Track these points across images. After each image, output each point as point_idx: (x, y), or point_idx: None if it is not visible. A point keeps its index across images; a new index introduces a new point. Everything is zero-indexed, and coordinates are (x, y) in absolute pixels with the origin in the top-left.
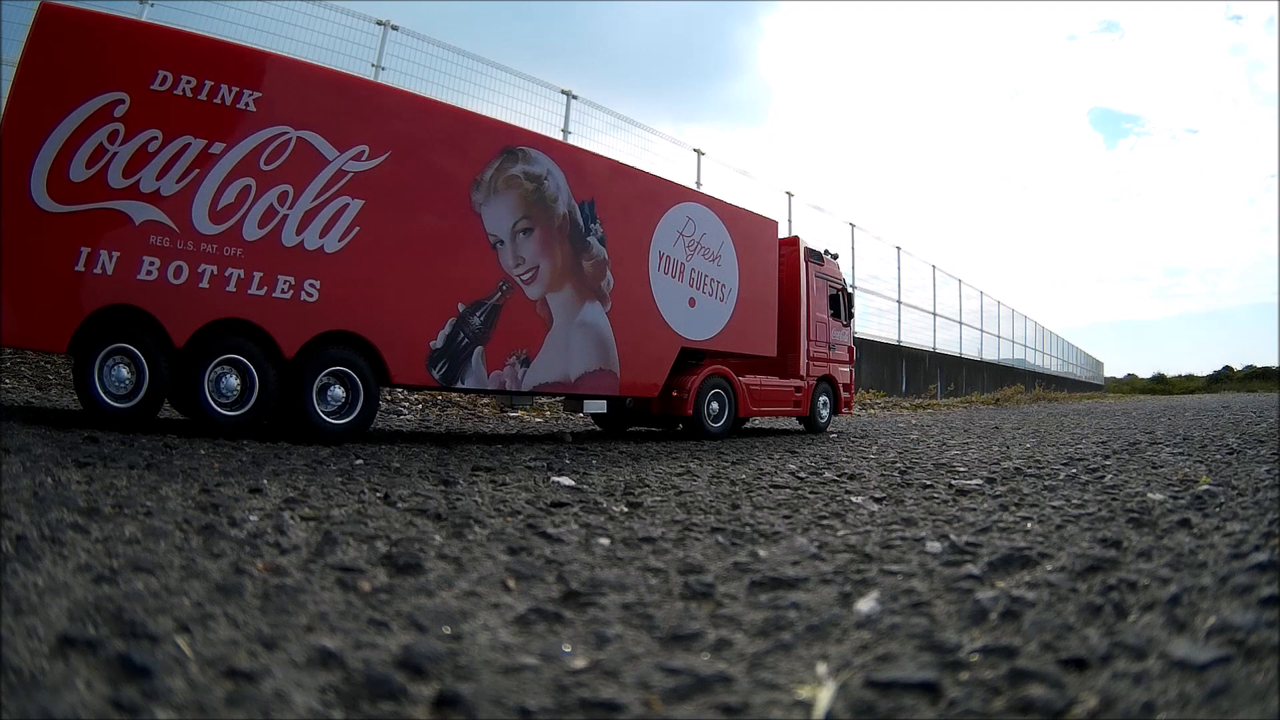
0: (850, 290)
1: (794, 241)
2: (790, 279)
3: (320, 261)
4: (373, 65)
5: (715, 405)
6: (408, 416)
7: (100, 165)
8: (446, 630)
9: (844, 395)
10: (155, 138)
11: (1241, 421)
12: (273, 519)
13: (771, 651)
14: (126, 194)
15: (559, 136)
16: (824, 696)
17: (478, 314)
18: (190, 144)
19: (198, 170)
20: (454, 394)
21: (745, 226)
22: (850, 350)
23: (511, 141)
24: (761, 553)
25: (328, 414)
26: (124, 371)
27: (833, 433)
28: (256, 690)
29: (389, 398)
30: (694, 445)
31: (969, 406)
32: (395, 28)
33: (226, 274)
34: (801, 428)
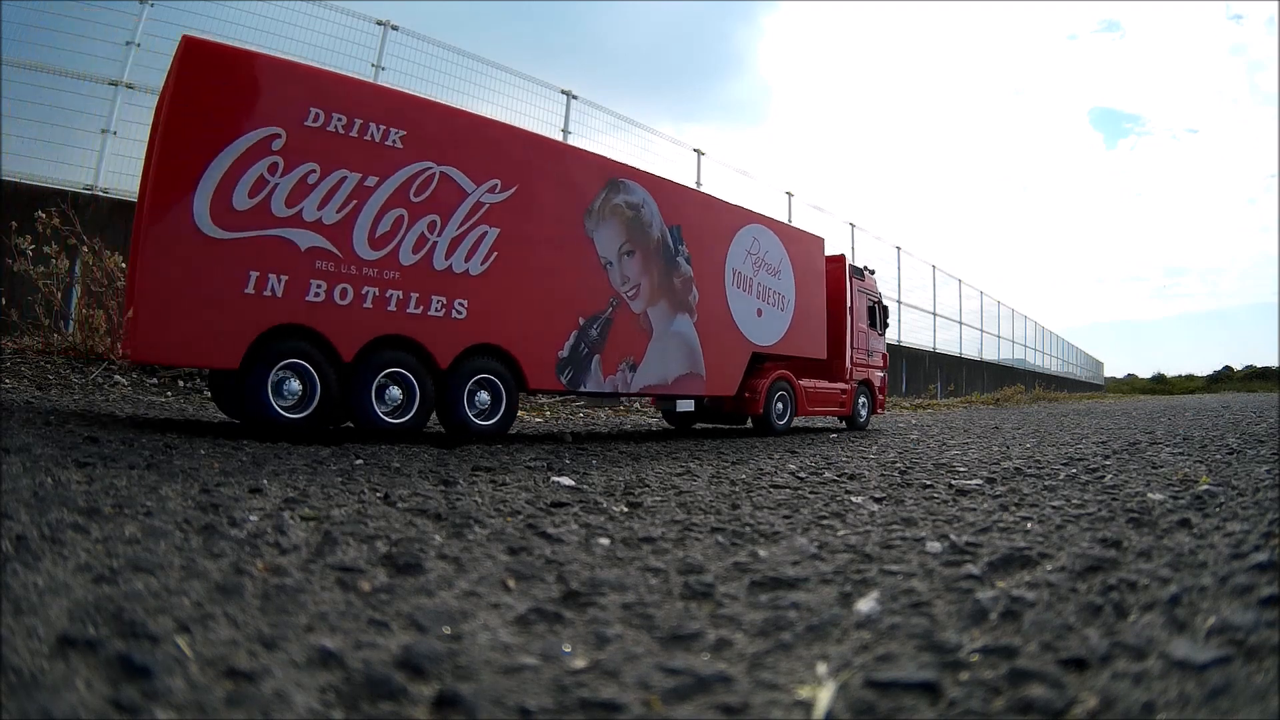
0: (885, 303)
1: (840, 259)
2: (837, 292)
3: (467, 283)
4: (373, 65)
5: (780, 405)
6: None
7: (263, 195)
8: (446, 630)
9: (879, 397)
10: (314, 170)
11: (1241, 421)
12: (273, 519)
13: (771, 651)
14: (290, 222)
15: (559, 137)
16: (824, 696)
17: (594, 326)
18: (347, 177)
19: (355, 201)
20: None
21: (798, 243)
22: (884, 357)
23: (614, 174)
24: (761, 553)
25: (475, 417)
26: (295, 384)
27: (833, 433)
28: (256, 690)
29: None
30: (694, 445)
31: (969, 406)
32: (395, 28)
33: (387, 295)
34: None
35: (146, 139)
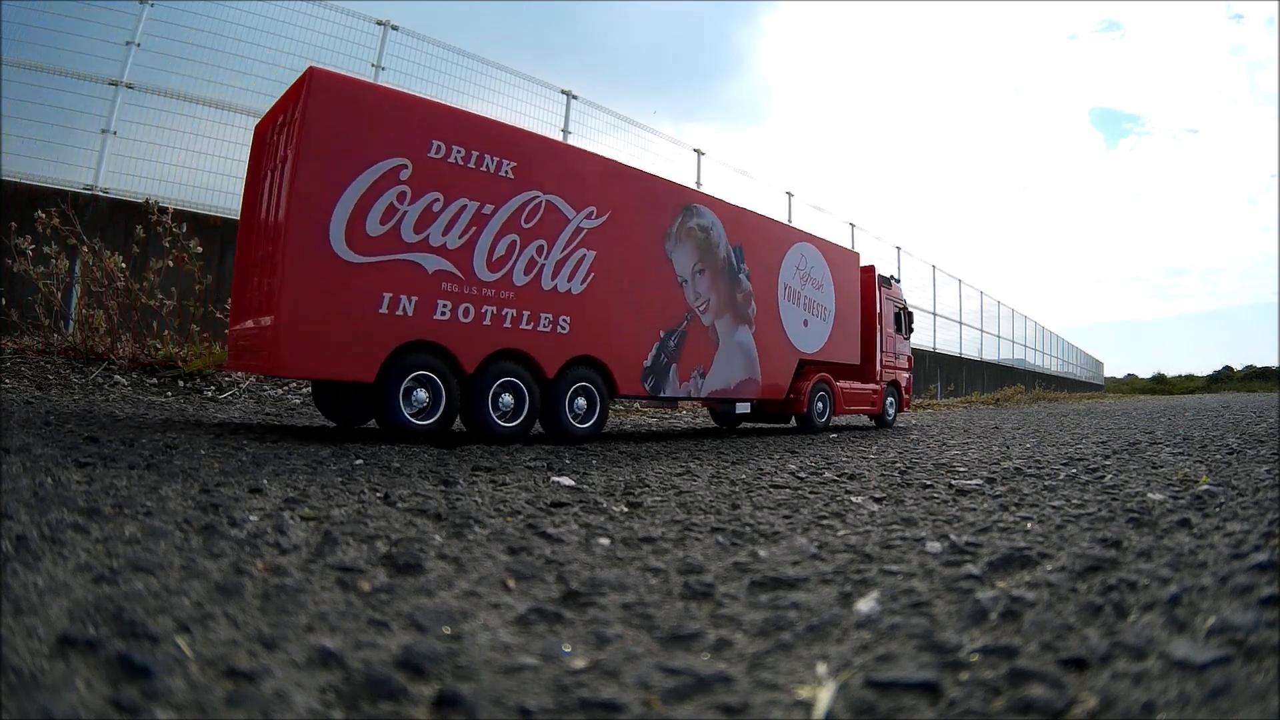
0: (910, 310)
1: (870, 270)
2: (868, 300)
3: (570, 301)
4: (373, 65)
5: (820, 405)
6: None
7: (393, 222)
8: (446, 630)
9: (905, 396)
10: (438, 199)
11: (1241, 421)
12: (273, 519)
13: (771, 651)
14: (419, 247)
15: (559, 137)
16: (824, 696)
17: (672, 338)
18: (467, 205)
19: (475, 228)
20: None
21: (838, 258)
22: (909, 360)
23: (688, 200)
24: (761, 553)
25: (575, 420)
26: (422, 394)
27: (833, 433)
28: (256, 690)
29: None
30: (694, 445)
31: (969, 406)
32: (395, 28)
33: (503, 313)
34: (801, 426)
35: (248, 160)
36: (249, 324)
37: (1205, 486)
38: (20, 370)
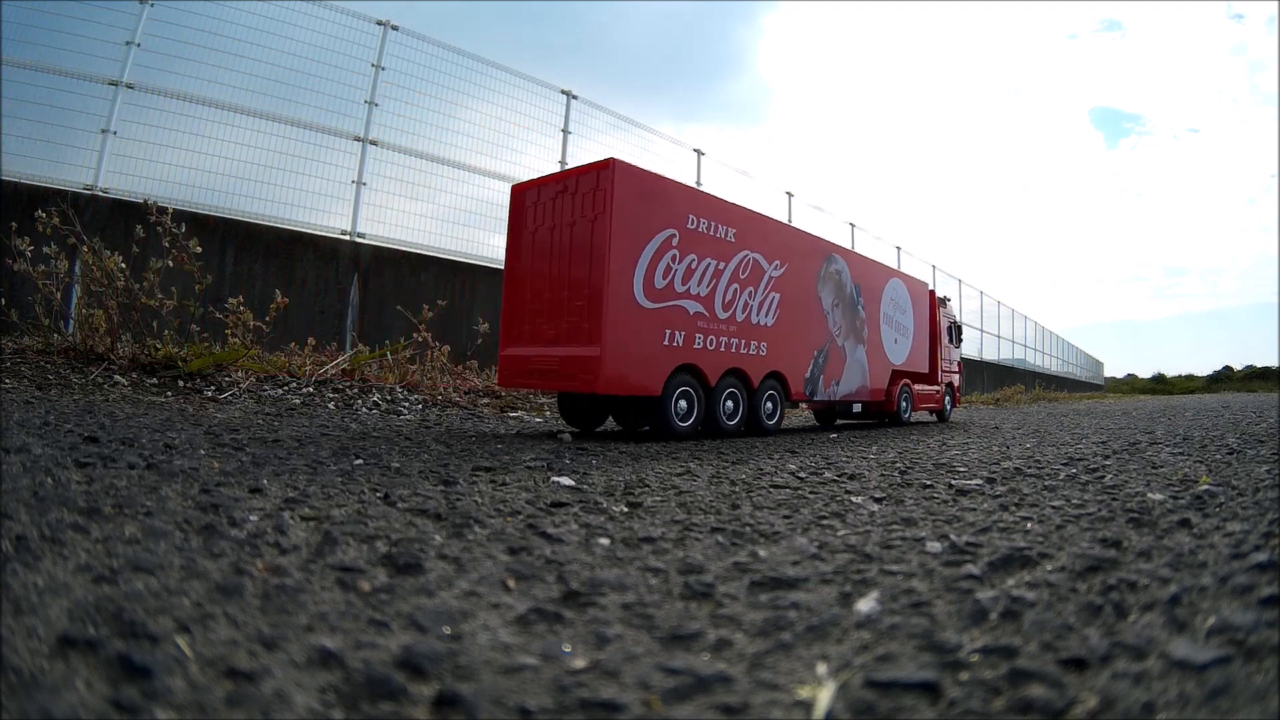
0: (959, 324)
1: (931, 293)
2: (931, 318)
3: (765, 331)
4: (373, 65)
5: (904, 403)
6: (408, 417)
7: (670, 277)
8: (446, 630)
9: (957, 395)
10: (693, 259)
11: (1241, 421)
12: (273, 519)
13: (771, 651)
14: (684, 295)
15: (559, 136)
16: (824, 696)
17: (821, 356)
18: (710, 263)
19: (714, 280)
20: (454, 395)
21: (915, 288)
22: (960, 365)
23: (829, 251)
24: (761, 553)
25: (766, 418)
26: (684, 404)
27: (833, 434)
28: (256, 690)
29: (389, 398)
30: (694, 445)
31: (969, 406)
32: (395, 28)
33: (731, 342)
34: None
35: (508, 217)
36: (551, 350)
37: (1205, 486)
38: (20, 370)
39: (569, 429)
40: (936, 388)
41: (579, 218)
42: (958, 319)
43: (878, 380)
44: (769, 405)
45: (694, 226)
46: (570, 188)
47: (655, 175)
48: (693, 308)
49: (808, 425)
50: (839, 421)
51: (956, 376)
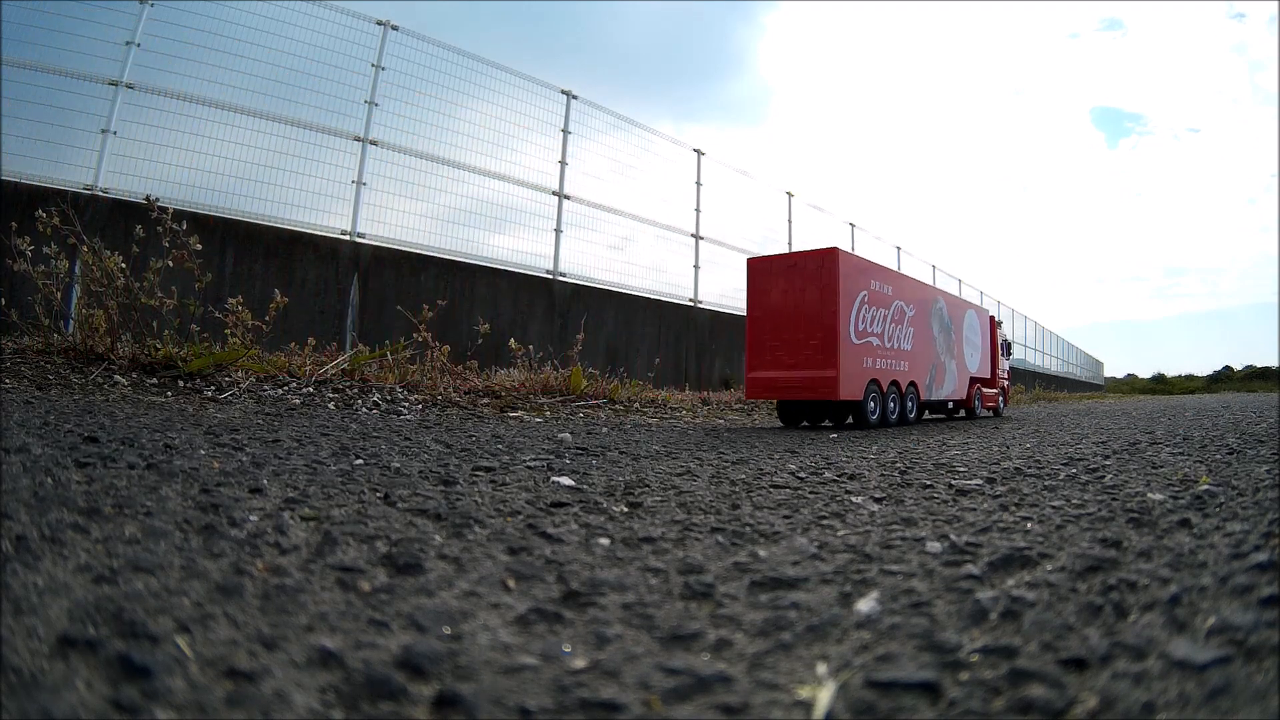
0: (1008, 340)
1: (992, 318)
2: (992, 336)
3: (907, 355)
4: (373, 65)
5: (975, 401)
6: (408, 417)
7: (864, 324)
8: (446, 630)
9: (1007, 395)
10: (875, 310)
11: (1241, 421)
12: (273, 519)
13: (771, 651)
14: (871, 335)
15: (559, 136)
16: (824, 696)
17: (933, 369)
18: (882, 311)
19: (883, 323)
20: (454, 395)
21: (981, 315)
22: (1009, 373)
23: (936, 295)
24: (761, 553)
25: (905, 414)
26: (872, 404)
27: (833, 434)
28: (256, 690)
29: (389, 398)
30: (694, 446)
31: None
32: (395, 28)
33: (891, 364)
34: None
35: (746, 282)
36: (793, 373)
37: (1205, 486)
38: (20, 370)
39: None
40: (996, 389)
41: (809, 285)
42: (1008, 338)
43: (962, 384)
44: (910, 404)
45: (874, 288)
46: (799, 264)
47: (857, 257)
48: (875, 341)
49: (808, 426)
50: (926, 415)
51: (1006, 382)
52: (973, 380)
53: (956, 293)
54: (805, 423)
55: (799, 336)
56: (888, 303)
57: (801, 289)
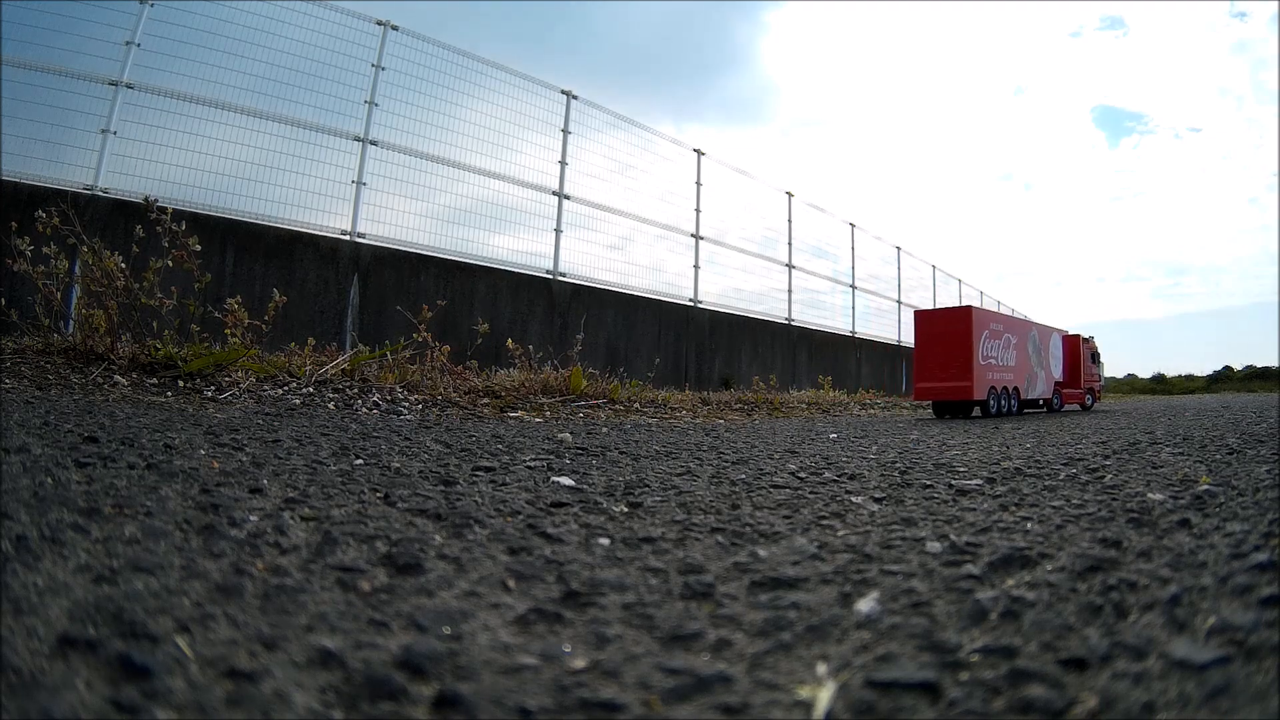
0: (1097, 350)
1: (1078, 337)
2: (1076, 350)
3: (1010, 369)
4: (373, 65)
5: (1056, 399)
6: (408, 417)
7: (986, 351)
8: (446, 630)
9: (1098, 394)
10: (992, 342)
11: (1241, 421)
12: (273, 519)
13: (771, 651)
14: (991, 357)
15: (559, 137)
16: (824, 696)
17: (1029, 378)
18: (996, 343)
19: (998, 350)
20: (454, 395)
21: (1066, 337)
22: (1100, 377)
23: (1029, 327)
24: (761, 553)
25: (1008, 411)
26: (991, 402)
27: (833, 434)
28: (256, 690)
29: (389, 398)
30: (694, 446)
31: None
32: (395, 28)
33: (1002, 375)
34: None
35: (914, 328)
36: (944, 384)
37: (1205, 486)
38: (20, 370)
39: (935, 416)
40: (1079, 390)
41: (952, 329)
42: (1097, 349)
43: (1048, 387)
44: (1015, 402)
45: (992, 328)
46: (947, 314)
47: (983, 309)
48: (993, 361)
49: (808, 427)
50: (1025, 410)
51: (1098, 384)
52: (1056, 384)
53: (956, 293)
54: (947, 415)
55: (948, 360)
56: (1000, 336)
57: (948, 331)
